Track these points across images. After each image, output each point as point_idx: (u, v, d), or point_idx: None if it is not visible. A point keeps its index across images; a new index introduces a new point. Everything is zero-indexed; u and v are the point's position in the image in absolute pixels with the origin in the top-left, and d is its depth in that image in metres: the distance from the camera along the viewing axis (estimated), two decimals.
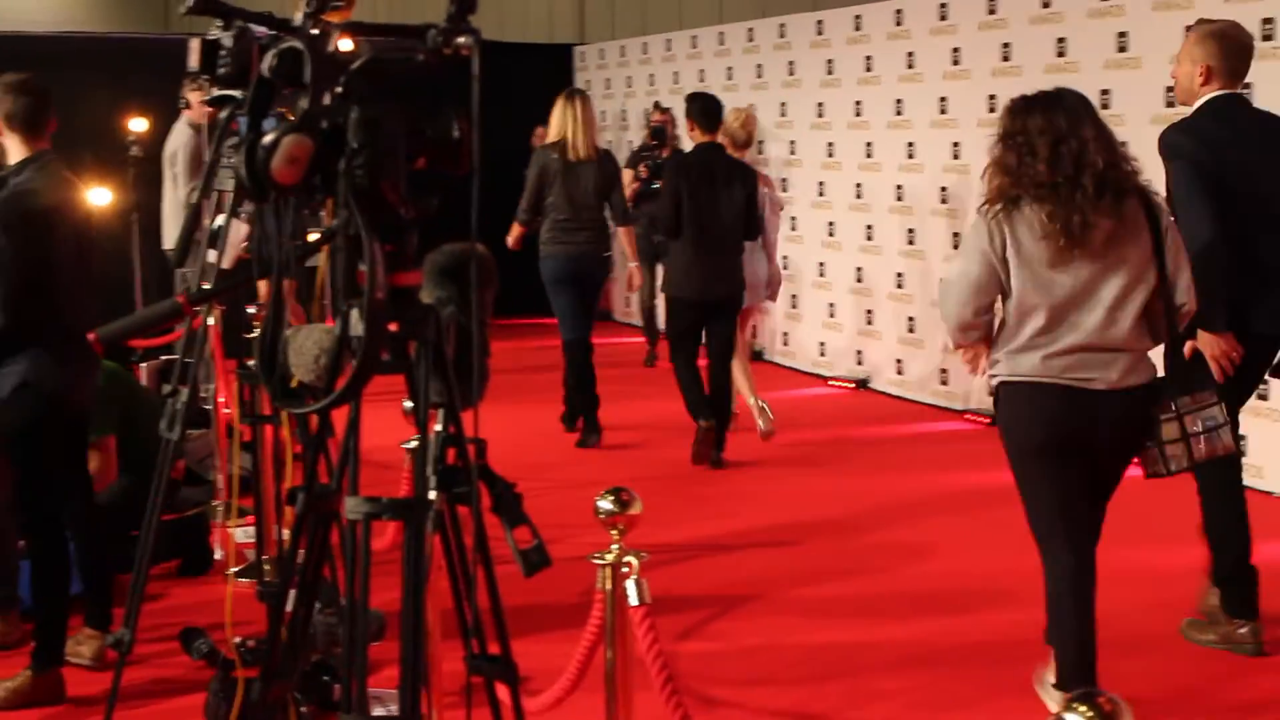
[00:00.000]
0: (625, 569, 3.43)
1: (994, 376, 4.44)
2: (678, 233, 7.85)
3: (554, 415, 9.06)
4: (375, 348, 2.45)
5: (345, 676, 2.72)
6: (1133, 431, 4.38)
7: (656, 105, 12.83)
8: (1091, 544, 4.42)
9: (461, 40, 2.46)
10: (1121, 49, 8.45)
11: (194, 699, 4.95)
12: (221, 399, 6.46)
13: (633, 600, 3.42)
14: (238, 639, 4.53)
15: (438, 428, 2.68)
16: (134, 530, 5.29)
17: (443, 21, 2.50)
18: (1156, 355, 4.41)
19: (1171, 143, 5.01)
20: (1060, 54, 8.94)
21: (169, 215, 10.21)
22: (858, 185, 10.78)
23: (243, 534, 6.37)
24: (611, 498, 3.49)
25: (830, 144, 11.21)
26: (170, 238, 10.42)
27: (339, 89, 2.46)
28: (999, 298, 4.30)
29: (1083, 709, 1.93)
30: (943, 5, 9.83)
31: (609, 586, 3.45)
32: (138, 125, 9.87)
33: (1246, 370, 5.08)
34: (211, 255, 4.49)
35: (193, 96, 10.38)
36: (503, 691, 2.88)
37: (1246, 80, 5.37)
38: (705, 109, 7.80)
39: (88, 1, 36.66)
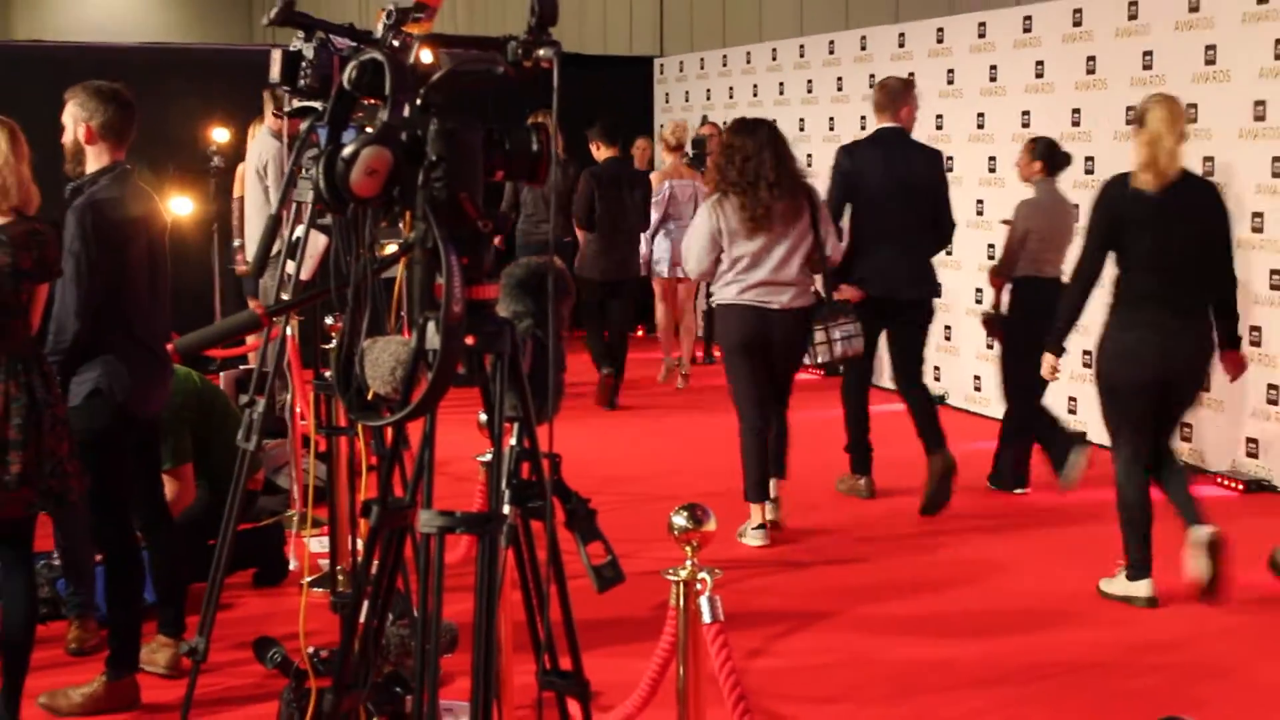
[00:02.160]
0: (699, 586, 3.45)
1: (711, 299, 7.63)
2: (592, 227, 9.99)
3: (627, 427, 9.48)
4: (452, 361, 2.47)
5: (417, 688, 2.72)
6: (796, 337, 7.01)
7: (704, 119, 13.75)
8: (770, 410, 7.13)
9: (542, 53, 2.49)
10: (1209, 62, 8.28)
11: (267, 708, 4.98)
12: (298, 409, 6.55)
13: (706, 618, 3.44)
14: (311, 649, 4.60)
15: (512, 442, 2.71)
16: (210, 540, 5.40)
17: (523, 33, 2.53)
18: None
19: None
20: (1147, 67, 8.81)
21: (251, 226, 10.20)
22: None
23: (317, 544, 6.47)
24: (686, 514, 3.51)
25: None
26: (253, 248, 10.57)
27: (418, 101, 2.48)
28: (720, 252, 6.96)
29: None
30: (1026, 18, 9.76)
31: (682, 603, 3.48)
32: (220, 135, 10.01)
33: (871, 315, 7.42)
34: (290, 266, 4.54)
35: (276, 108, 10.55)
36: (574, 707, 2.91)
37: None
38: (605, 128, 9.28)
39: (175, 13, 37.42)
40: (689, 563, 3.51)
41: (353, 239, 2.75)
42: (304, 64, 4.07)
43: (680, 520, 3.51)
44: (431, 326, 2.51)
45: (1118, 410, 6.12)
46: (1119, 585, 6.09)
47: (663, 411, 10.34)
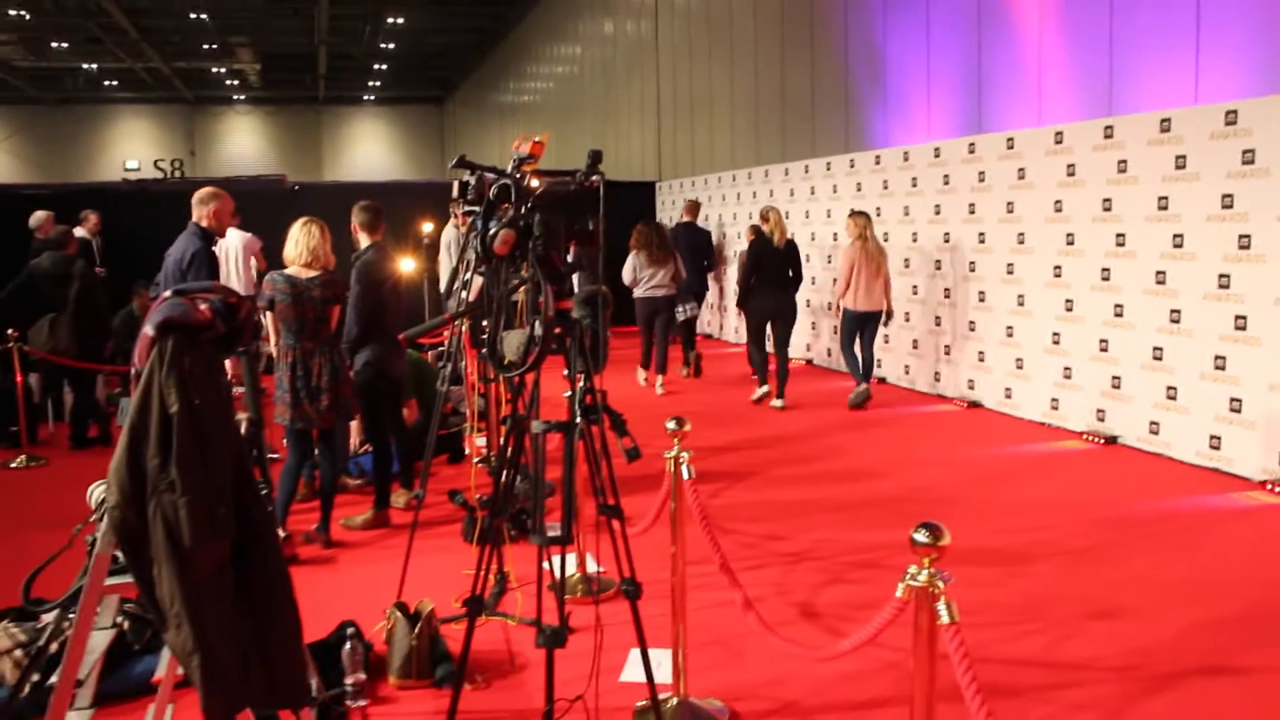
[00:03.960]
0: (681, 458, 3.59)
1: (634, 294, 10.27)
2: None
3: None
4: (548, 342, 2.88)
5: (533, 515, 3.10)
6: (670, 312, 10.48)
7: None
8: (658, 347, 10.69)
9: (594, 178, 2.99)
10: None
11: (454, 527, 6.00)
12: (470, 370, 7.32)
13: (685, 476, 3.59)
14: (478, 495, 5.36)
15: (581, 384, 3.06)
16: (424, 438, 6.26)
17: (583, 168, 3.03)
18: None
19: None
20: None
21: (445, 274, 11.26)
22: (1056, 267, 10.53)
23: (480, 441, 7.37)
24: (675, 421, 3.65)
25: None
26: (446, 286, 11.50)
27: (529, 205, 2.91)
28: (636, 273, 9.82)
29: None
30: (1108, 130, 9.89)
31: (672, 470, 3.63)
32: (427, 228, 11.09)
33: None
34: (464, 294, 5.16)
35: (457, 210, 11.46)
36: (616, 526, 3.22)
37: None
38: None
39: (402, 160, 39.59)
40: (675, 446, 3.59)
41: (495, 279, 3.26)
42: (470, 187, 4.76)
43: (671, 425, 3.60)
44: (537, 324, 2.92)
45: (750, 327, 9.80)
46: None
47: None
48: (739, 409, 9.93)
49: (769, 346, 9.93)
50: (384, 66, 37.06)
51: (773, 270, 9.58)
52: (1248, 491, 6.74)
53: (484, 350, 4.82)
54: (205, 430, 2.52)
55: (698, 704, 3.82)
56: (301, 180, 21.16)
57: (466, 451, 7.74)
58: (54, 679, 2.59)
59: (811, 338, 12.92)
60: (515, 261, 2.94)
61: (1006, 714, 3.74)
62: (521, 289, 3.15)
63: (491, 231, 2.85)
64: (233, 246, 9.64)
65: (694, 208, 13.32)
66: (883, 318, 9.68)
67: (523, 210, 2.92)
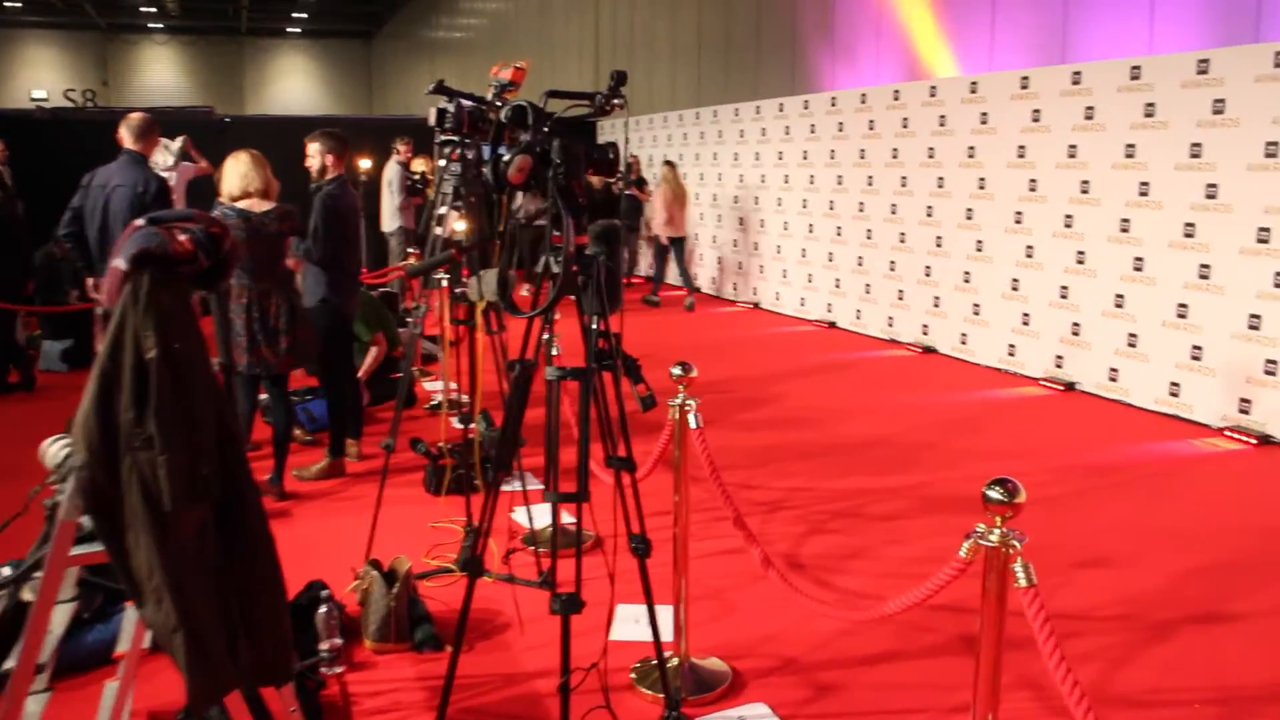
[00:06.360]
0: (688, 406, 3.45)
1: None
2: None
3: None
4: (571, 279, 2.63)
5: (548, 466, 2.80)
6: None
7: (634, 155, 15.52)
8: None
9: (617, 102, 2.70)
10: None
11: (414, 476, 5.70)
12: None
13: (692, 425, 3.43)
14: (440, 443, 5.10)
15: (595, 326, 2.76)
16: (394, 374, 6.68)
17: (605, 90, 2.72)
18: None
19: None
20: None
21: (387, 213, 10.72)
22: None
23: (430, 385, 7.34)
24: (680, 367, 3.49)
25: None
26: (388, 225, 10.91)
27: (546, 128, 2.62)
28: None
29: None
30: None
31: (677, 417, 3.47)
32: (364, 164, 10.52)
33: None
34: (438, 230, 4.75)
35: (401, 147, 10.87)
36: (626, 478, 2.95)
37: None
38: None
39: (328, 98, 38.46)
40: (681, 393, 3.44)
41: (497, 211, 2.98)
42: (448, 115, 4.40)
43: (677, 370, 3.46)
44: (552, 259, 2.65)
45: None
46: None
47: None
48: (681, 344, 9.71)
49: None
50: None
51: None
52: (1207, 438, 6.79)
53: (464, 290, 4.42)
54: (186, 378, 2.19)
55: (700, 664, 3.61)
56: (228, 114, 20.20)
57: (417, 399, 7.43)
58: (10, 663, 2.25)
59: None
60: (529, 190, 2.65)
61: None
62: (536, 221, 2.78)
63: (506, 158, 2.54)
64: (171, 177, 9.06)
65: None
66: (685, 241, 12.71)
67: (540, 135, 2.60)
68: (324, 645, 3.54)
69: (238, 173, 5.17)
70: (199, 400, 2.23)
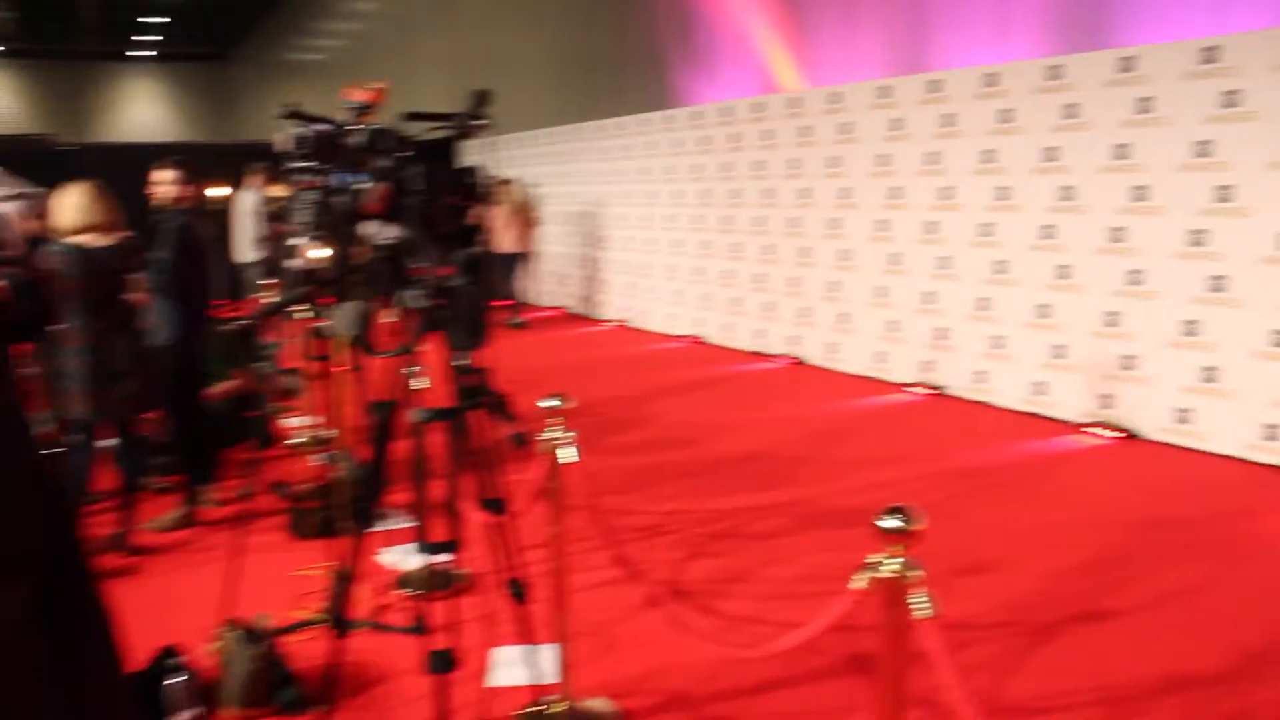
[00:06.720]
0: (556, 439, 3.25)
1: None
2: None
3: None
4: (431, 317, 2.47)
5: (420, 518, 2.72)
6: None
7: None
8: None
9: (480, 121, 2.53)
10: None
11: (273, 521, 5.33)
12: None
13: (564, 459, 3.26)
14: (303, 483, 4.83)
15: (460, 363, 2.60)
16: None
17: (466, 112, 2.55)
18: None
19: None
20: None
21: (243, 244, 10.39)
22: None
23: (293, 422, 6.76)
24: (552, 399, 3.27)
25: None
26: (244, 256, 10.54)
27: (407, 154, 2.44)
28: None
29: None
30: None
31: (549, 452, 3.27)
32: (218, 192, 10.27)
33: None
34: (293, 262, 4.49)
35: (258, 175, 10.55)
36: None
37: None
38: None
39: (181, 124, 37.31)
40: (551, 427, 3.30)
41: (351, 242, 2.77)
42: (303, 141, 4.14)
43: (549, 403, 3.35)
44: (408, 295, 2.47)
45: None
46: None
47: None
48: (551, 366, 9.55)
49: None
50: (160, 20, 34.25)
51: None
52: (1069, 435, 6.97)
53: (325, 327, 4.16)
54: (2, 441, 1.93)
55: (586, 706, 3.45)
56: (71, 142, 19.17)
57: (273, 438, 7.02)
58: None
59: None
60: (387, 220, 2.48)
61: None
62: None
63: (364, 187, 2.32)
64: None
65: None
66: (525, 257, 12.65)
67: (397, 161, 2.42)
68: (181, 718, 3.25)
69: (71, 205, 4.80)
70: (17, 464, 1.98)
